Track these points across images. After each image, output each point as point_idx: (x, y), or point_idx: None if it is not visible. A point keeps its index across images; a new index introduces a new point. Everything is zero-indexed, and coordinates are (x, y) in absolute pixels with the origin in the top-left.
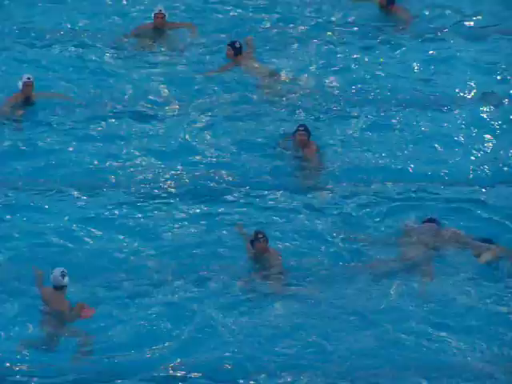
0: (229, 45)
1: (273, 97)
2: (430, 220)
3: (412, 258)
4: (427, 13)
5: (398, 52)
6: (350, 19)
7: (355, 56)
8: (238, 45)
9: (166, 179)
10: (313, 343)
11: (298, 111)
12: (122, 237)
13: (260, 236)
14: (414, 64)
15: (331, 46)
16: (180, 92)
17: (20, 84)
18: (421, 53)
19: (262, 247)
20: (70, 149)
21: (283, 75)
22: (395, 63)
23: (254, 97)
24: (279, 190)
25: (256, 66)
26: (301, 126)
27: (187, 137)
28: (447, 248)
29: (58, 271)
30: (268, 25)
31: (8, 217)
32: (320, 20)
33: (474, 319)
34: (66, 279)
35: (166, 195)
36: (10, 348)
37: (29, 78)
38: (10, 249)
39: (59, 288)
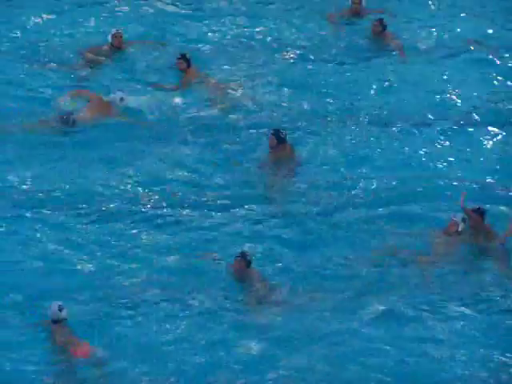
0: (179, 57)
1: (226, 109)
2: (478, 211)
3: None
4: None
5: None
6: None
7: (326, 73)
8: (186, 59)
9: (147, 198)
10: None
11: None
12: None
13: (237, 256)
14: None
15: (306, 64)
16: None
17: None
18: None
19: (235, 267)
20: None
21: (236, 87)
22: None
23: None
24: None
25: (208, 79)
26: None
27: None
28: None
29: (55, 305)
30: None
31: None
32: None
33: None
34: (65, 312)
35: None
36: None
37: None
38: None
39: (57, 321)
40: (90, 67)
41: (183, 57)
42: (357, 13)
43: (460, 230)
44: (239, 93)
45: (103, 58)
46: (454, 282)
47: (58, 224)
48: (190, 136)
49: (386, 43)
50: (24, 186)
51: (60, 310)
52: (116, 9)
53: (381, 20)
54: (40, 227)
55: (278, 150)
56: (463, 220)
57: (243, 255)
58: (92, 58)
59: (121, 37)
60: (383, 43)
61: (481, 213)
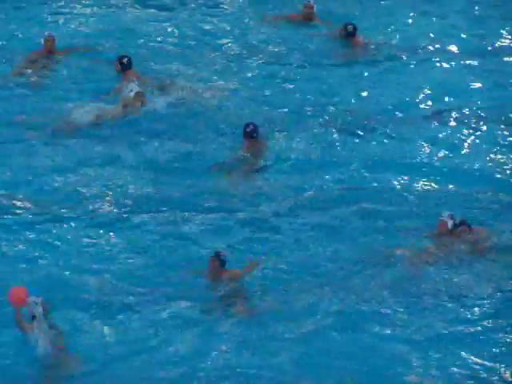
0: (117, 59)
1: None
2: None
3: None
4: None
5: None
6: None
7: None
8: (125, 61)
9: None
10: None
11: None
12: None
13: (211, 256)
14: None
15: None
16: None
17: None
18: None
19: (209, 267)
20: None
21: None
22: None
23: None
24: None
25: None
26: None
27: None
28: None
29: (30, 299)
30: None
31: None
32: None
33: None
34: (37, 309)
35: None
36: None
37: None
38: None
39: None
40: (21, 74)
41: (120, 59)
42: (309, 19)
43: (450, 227)
44: (191, 94)
45: (37, 64)
46: (449, 281)
47: (37, 226)
48: (145, 137)
49: (356, 47)
50: None
51: (34, 304)
52: (75, 11)
53: (345, 26)
54: (17, 229)
55: (247, 145)
56: (451, 217)
57: (217, 254)
58: (26, 64)
59: (53, 40)
60: (352, 47)
61: (465, 223)
